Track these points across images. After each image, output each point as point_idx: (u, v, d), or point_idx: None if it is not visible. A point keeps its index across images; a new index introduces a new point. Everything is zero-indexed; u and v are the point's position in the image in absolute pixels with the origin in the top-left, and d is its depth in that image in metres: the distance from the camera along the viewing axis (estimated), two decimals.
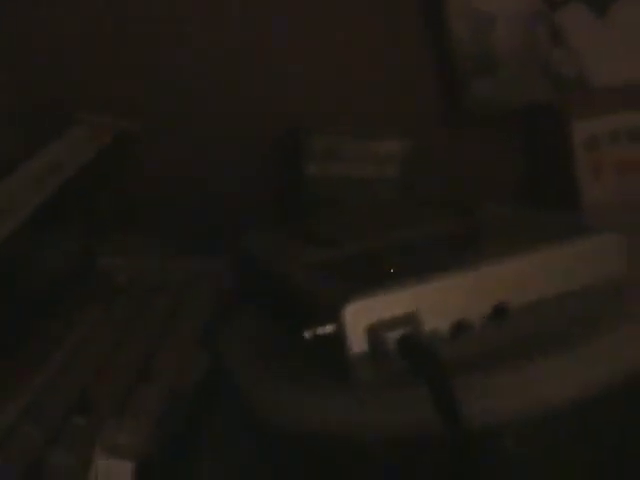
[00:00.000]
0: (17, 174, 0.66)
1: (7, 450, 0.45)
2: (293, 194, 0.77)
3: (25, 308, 0.58)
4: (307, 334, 0.47)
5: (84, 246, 0.66)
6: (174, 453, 0.48)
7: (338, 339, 0.46)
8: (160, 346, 0.53)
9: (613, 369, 0.47)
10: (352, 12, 0.79)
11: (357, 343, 0.46)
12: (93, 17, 0.77)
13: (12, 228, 0.60)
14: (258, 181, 0.79)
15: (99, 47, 0.78)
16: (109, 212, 0.70)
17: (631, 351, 0.48)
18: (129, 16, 0.78)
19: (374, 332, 0.46)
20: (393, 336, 0.46)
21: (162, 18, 0.77)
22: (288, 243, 0.59)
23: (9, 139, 0.77)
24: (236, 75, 0.77)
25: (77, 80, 0.79)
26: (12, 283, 0.59)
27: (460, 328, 0.48)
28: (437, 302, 0.48)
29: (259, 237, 0.60)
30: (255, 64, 0.78)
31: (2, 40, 0.77)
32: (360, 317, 0.46)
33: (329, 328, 0.47)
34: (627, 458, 0.47)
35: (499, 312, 0.49)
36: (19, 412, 0.47)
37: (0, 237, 0.59)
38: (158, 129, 0.75)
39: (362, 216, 0.67)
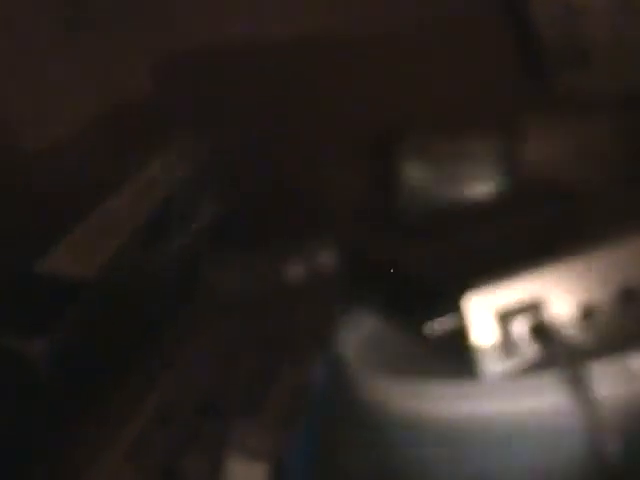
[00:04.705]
0: (122, 192, 0.66)
1: (139, 456, 0.45)
2: (389, 195, 0.77)
3: (140, 322, 0.59)
4: (430, 327, 0.46)
5: (191, 263, 0.67)
6: (305, 455, 0.47)
7: (464, 330, 0.46)
8: (281, 348, 0.52)
9: None
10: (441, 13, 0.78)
11: (484, 332, 0.45)
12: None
13: (121, 246, 0.61)
14: (352, 182, 0.78)
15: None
16: (210, 226, 0.71)
17: None
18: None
19: (502, 320, 0.45)
20: (522, 323, 0.45)
21: None
22: (392, 239, 0.58)
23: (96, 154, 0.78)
24: (331, 77, 0.77)
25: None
26: (124, 301, 0.60)
27: (588, 312, 0.47)
28: (563, 286, 0.46)
29: (363, 236, 0.60)
30: (349, 66, 0.77)
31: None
32: (486, 305, 0.45)
33: (453, 319, 0.46)
34: None
35: (627, 295, 0.47)
36: (148, 418, 0.47)
37: (110, 255, 0.59)
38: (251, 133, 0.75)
39: (459, 210, 0.67)
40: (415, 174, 0.75)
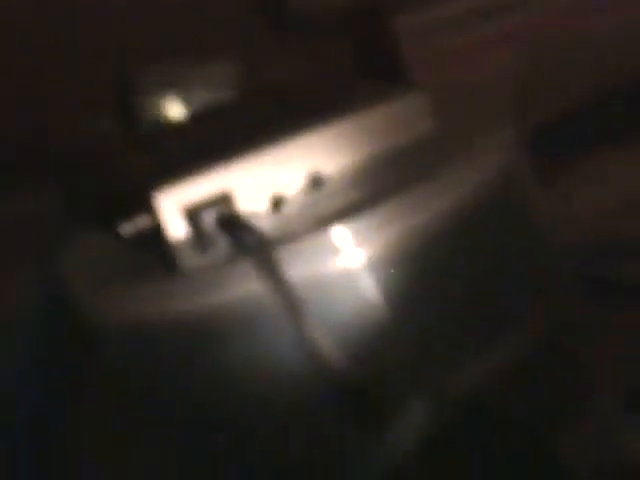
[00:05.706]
0: None
1: None
2: (130, 130, 0.77)
3: None
4: (123, 229, 0.47)
5: None
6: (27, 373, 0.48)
7: (157, 228, 0.47)
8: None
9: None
10: None
11: (175, 228, 0.46)
12: None
13: None
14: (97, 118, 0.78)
15: None
16: None
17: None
18: None
19: (191, 214, 0.46)
20: (211, 216, 0.47)
21: None
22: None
23: None
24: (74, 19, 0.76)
25: None
26: None
27: (278, 201, 0.48)
28: (251, 177, 0.48)
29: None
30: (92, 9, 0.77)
31: None
32: (174, 202, 0.46)
33: (144, 218, 0.47)
34: None
35: (315, 181, 0.50)
36: None
37: None
38: None
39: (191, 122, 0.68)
40: (157, 98, 0.76)
